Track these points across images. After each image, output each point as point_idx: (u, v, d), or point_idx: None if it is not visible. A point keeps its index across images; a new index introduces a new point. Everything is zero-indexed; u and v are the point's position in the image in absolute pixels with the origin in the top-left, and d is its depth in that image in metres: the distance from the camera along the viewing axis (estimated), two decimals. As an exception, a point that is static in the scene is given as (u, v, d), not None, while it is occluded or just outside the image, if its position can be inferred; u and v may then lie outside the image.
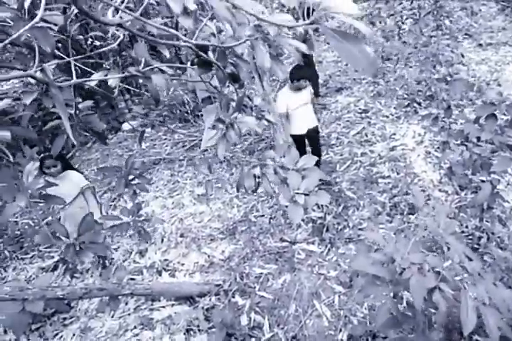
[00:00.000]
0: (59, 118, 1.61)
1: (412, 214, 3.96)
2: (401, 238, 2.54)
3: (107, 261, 3.83)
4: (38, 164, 1.67)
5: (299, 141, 4.57)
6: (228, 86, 1.67)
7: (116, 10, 1.09)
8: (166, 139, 6.23)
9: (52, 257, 4.20)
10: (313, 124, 4.50)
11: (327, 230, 4.04)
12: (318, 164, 4.69)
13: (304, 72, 4.14)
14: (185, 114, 6.65)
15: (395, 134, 5.36)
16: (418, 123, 5.41)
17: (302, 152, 4.60)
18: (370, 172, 4.75)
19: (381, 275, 2.22)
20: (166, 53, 1.27)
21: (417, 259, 2.21)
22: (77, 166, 5.98)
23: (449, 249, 2.28)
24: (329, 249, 3.85)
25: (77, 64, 1.46)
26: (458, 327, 2.49)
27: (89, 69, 1.73)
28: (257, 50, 1.00)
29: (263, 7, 0.99)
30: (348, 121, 5.92)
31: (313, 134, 4.57)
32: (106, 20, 1.01)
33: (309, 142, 4.69)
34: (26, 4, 0.97)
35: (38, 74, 0.99)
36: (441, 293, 2.08)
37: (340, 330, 3.13)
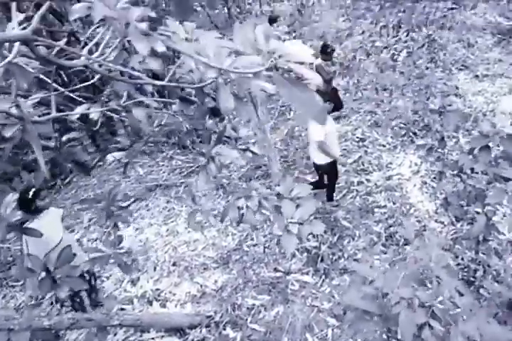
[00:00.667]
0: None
1: (408, 245, 3.92)
2: (392, 271, 2.51)
3: (93, 293, 3.75)
4: (16, 196, 1.69)
5: (335, 165, 4.58)
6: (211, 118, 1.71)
7: (90, 52, 1.14)
8: (163, 165, 6.27)
9: (43, 285, 4.14)
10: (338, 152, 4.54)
11: (322, 260, 3.99)
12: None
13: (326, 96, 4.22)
14: (184, 140, 6.70)
15: (391, 163, 5.38)
16: (414, 152, 5.44)
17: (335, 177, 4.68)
18: (366, 202, 4.74)
19: (371, 311, 2.19)
20: (149, 88, 1.31)
21: (406, 294, 2.18)
22: (73, 192, 6.01)
23: (439, 283, 2.25)
24: (323, 280, 3.80)
25: (61, 96, 1.50)
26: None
27: (71, 104, 1.77)
28: (220, 92, 1.04)
29: (226, 50, 1.02)
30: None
31: (336, 162, 4.60)
32: (68, 63, 1.05)
33: (336, 171, 4.69)
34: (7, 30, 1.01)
35: (13, 110, 1.02)
36: (430, 330, 2.04)
37: (334, 366, 3.05)
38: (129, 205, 5.20)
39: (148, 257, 4.31)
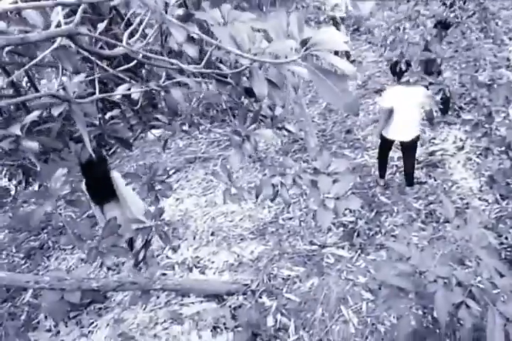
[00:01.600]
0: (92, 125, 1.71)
1: (449, 223, 3.84)
2: (430, 249, 2.49)
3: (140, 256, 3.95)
4: (65, 171, 1.78)
5: (386, 146, 4.32)
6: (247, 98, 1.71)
7: (131, 34, 1.15)
8: (202, 138, 6.37)
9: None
10: (413, 135, 4.03)
11: (358, 235, 4.00)
12: (410, 183, 4.40)
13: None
14: (222, 114, 6.75)
15: (434, 138, 5.20)
16: (459, 128, 5.22)
17: (383, 161, 4.45)
18: (406, 177, 4.64)
19: (405, 287, 2.20)
20: (189, 68, 1.32)
21: (443, 273, 2.16)
22: (117, 162, 6.25)
23: (478, 263, 2.21)
24: (359, 255, 3.81)
25: (103, 78, 1.55)
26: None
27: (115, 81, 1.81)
28: (254, 78, 1.03)
29: (260, 34, 1.00)
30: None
31: (409, 145, 4.14)
32: (107, 52, 1.07)
33: (403, 154, 4.31)
34: (53, 26, 1.05)
35: (61, 92, 1.07)
36: (467, 310, 2.03)
37: (367, 338, 3.11)
38: (169, 176, 5.37)
39: (187, 226, 4.48)
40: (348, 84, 0.88)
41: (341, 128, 5.95)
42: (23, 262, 4.49)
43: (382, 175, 4.55)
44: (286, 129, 1.98)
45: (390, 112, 3.93)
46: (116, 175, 3.43)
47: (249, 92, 1.50)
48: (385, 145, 4.32)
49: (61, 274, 3.82)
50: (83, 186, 3.32)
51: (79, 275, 3.43)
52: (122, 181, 3.35)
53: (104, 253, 2.00)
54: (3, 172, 5.92)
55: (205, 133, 6.48)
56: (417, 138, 4.08)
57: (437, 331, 2.26)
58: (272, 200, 1.94)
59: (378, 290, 3.44)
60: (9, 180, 5.85)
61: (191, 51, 1.19)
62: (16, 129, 1.41)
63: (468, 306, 2.03)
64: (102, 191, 3.36)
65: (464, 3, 3.85)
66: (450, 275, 2.14)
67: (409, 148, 4.19)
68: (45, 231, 4.84)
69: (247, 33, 1.10)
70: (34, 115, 1.43)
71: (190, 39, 1.14)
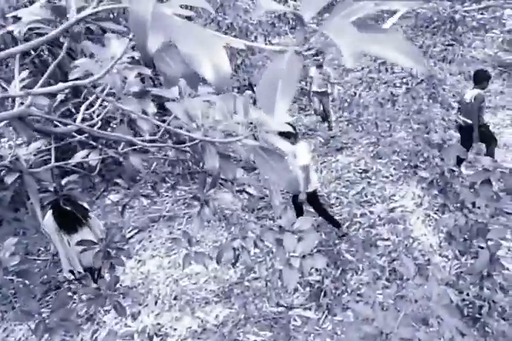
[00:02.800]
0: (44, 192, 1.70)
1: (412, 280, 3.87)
2: (392, 310, 2.49)
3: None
4: (15, 240, 1.73)
5: (315, 197, 4.51)
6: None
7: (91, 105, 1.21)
8: (167, 196, 6.32)
9: (44, 318, 4.11)
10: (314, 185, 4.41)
11: (325, 295, 3.94)
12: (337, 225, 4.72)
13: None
14: (188, 170, 6.79)
15: (394, 195, 5.39)
16: (417, 185, 5.45)
17: (326, 212, 4.69)
18: (370, 234, 4.72)
19: (370, 352, 2.16)
20: (146, 135, 1.38)
21: (406, 334, 2.16)
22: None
23: (439, 323, 2.22)
24: (326, 316, 3.74)
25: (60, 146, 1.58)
26: None
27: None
28: (206, 152, 1.10)
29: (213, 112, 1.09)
30: (348, 180, 5.99)
31: (316, 194, 4.53)
32: (59, 130, 1.13)
33: (313, 203, 4.60)
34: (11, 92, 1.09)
35: (13, 163, 1.08)
36: (432, 373, 2.00)
37: None
38: (130, 237, 5.23)
39: (149, 290, 4.29)
40: (287, 163, 0.95)
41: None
42: (-35, 337, 4.10)
43: (338, 225, 4.74)
44: (247, 192, 2.03)
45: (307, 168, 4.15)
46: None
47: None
48: (316, 196, 4.52)
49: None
50: (49, 218, 3.31)
51: (26, 350, 3.15)
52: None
53: (53, 328, 1.87)
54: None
55: (170, 191, 6.45)
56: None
57: None
58: (234, 264, 1.93)
59: (347, 354, 3.34)
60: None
61: (146, 126, 1.25)
62: None
63: (432, 370, 2.01)
64: (71, 221, 3.42)
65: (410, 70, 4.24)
66: (413, 337, 2.13)
67: (313, 197, 4.46)
68: (-7, 299, 4.49)
69: (201, 108, 1.18)
70: None
71: (146, 114, 1.21)
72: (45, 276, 4.56)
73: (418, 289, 2.43)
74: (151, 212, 5.88)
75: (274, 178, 0.93)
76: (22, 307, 1.85)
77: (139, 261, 4.82)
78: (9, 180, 1.23)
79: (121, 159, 1.50)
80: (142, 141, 1.30)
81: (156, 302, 4.12)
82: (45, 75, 0.98)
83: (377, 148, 6.77)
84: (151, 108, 1.08)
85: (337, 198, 5.64)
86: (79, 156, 1.53)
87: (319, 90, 6.78)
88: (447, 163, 3.90)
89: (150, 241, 5.17)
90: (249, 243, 1.97)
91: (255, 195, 2.13)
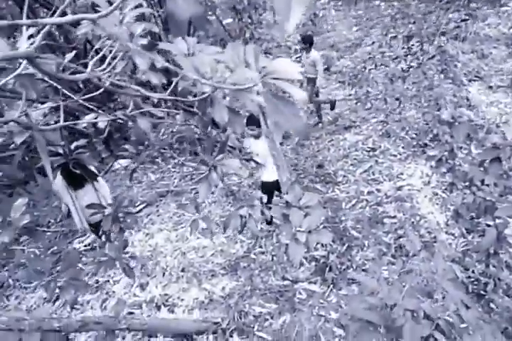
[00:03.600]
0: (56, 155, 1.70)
1: (418, 256, 3.90)
2: (397, 283, 2.51)
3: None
4: (26, 200, 1.74)
5: (270, 188, 4.33)
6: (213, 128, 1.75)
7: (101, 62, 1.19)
8: (174, 172, 6.35)
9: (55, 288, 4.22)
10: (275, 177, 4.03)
11: (330, 270, 3.99)
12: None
13: (254, 121, 3.73)
14: (193, 146, 6.80)
15: (402, 174, 5.37)
16: (425, 163, 5.42)
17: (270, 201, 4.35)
18: (376, 212, 4.73)
19: (374, 321, 2.19)
20: (154, 99, 1.36)
21: (411, 305, 2.18)
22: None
23: (444, 297, 2.25)
24: (331, 290, 3.79)
25: (69, 107, 1.57)
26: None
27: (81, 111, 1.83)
28: (215, 105, 1.08)
29: (223, 65, 1.06)
30: (355, 159, 5.97)
31: (276, 186, 4.17)
32: (71, 78, 1.11)
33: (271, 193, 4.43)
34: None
35: (23, 119, 1.08)
36: (435, 343, 2.03)
37: (339, 377, 3.04)
38: (140, 211, 5.28)
39: (157, 262, 4.36)
40: (298, 110, 0.94)
41: (313, 162, 6.08)
42: (-21, 302, 4.23)
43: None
44: (254, 161, 2.02)
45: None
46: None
47: (216, 123, 1.54)
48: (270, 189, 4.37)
49: (21, 314, 3.59)
50: (58, 177, 3.50)
51: (39, 315, 3.24)
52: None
53: (63, 287, 1.92)
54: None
55: (178, 166, 6.47)
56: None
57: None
58: (240, 232, 1.94)
59: (350, 326, 3.40)
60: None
61: (155, 79, 1.23)
62: None
63: (436, 339, 2.04)
64: (79, 179, 3.56)
65: (422, 46, 4.13)
66: (418, 308, 2.16)
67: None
68: (5, 268, 4.60)
69: (210, 64, 1.15)
70: None
71: (154, 68, 1.19)
72: (55, 247, 4.66)
73: (424, 263, 2.45)
74: (158, 187, 5.92)
75: (285, 124, 0.92)
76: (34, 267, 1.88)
77: (147, 234, 4.88)
78: (19, 140, 1.24)
79: (129, 123, 1.49)
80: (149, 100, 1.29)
81: (163, 274, 4.20)
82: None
83: (386, 126, 6.71)
84: (160, 61, 1.06)
85: (344, 176, 5.63)
86: (87, 118, 1.53)
87: (308, 76, 6.65)
88: (457, 140, 3.85)
89: (158, 216, 5.23)
90: (257, 211, 1.98)
91: (262, 163, 2.12)
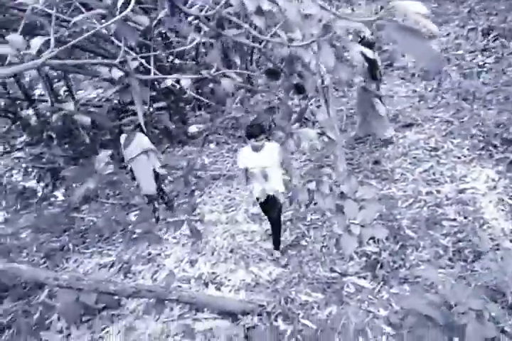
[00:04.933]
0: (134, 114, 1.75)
1: (476, 262, 3.70)
2: (461, 282, 2.40)
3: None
4: (109, 152, 1.81)
5: (260, 206, 4.01)
6: (292, 99, 1.73)
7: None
8: (228, 157, 6.43)
9: (110, 255, 4.43)
10: (273, 191, 3.64)
11: (381, 267, 3.88)
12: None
13: (259, 130, 3.35)
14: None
15: (465, 176, 5.10)
16: (492, 167, 5.12)
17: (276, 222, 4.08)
18: (435, 213, 4.53)
19: (434, 317, 2.10)
20: (237, 60, 1.36)
21: (476, 305, 2.07)
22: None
23: (514, 301, 2.12)
24: (381, 287, 3.69)
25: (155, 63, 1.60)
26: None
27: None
28: (323, 49, 1.05)
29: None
30: (415, 157, 5.74)
31: (271, 203, 3.79)
32: (189, 11, 1.12)
33: (267, 212, 4.03)
34: (119, 4, 1.12)
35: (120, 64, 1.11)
36: (502, 347, 1.92)
37: (385, 374, 2.96)
38: (193, 190, 5.41)
39: (207, 241, 4.45)
40: (430, 42, 0.89)
41: (369, 158, 5.91)
42: (42, 262, 4.52)
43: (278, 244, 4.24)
44: (327, 136, 1.99)
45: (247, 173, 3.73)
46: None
47: (298, 88, 1.52)
48: (266, 206, 3.97)
49: (78, 275, 3.80)
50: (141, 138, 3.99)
51: (96, 278, 3.42)
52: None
53: (137, 238, 2.00)
54: (33, 174, 6.09)
55: (231, 152, 6.55)
56: (276, 197, 3.69)
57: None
58: (307, 206, 1.92)
59: (400, 325, 3.29)
60: (37, 182, 6.01)
61: (259, 22, 1.22)
62: (69, 106, 1.46)
63: (503, 343, 1.93)
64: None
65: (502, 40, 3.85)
66: (483, 309, 2.05)
67: (270, 207, 3.89)
68: (66, 233, 4.89)
69: (315, 9, 1.12)
70: (88, 93, 1.48)
71: (259, 12, 1.18)
72: (113, 217, 4.87)
73: (494, 263, 2.32)
74: (211, 170, 6.02)
75: (417, 57, 0.88)
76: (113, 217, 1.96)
77: (198, 213, 4.98)
78: (117, 75, 1.29)
79: (211, 85, 1.50)
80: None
81: (212, 253, 4.28)
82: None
83: (451, 126, 6.39)
84: (266, 4, 1.05)
85: (402, 174, 5.44)
86: (174, 76, 1.56)
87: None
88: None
89: (210, 197, 5.32)
90: (325, 186, 1.95)
91: (335, 140, 2.08)
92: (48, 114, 7.50)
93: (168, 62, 6.13)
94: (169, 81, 1.58)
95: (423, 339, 2.13)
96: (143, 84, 1.41)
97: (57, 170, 5.65)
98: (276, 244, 4.18)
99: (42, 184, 6.04)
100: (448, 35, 6.79)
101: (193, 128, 2.35)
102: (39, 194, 5.95)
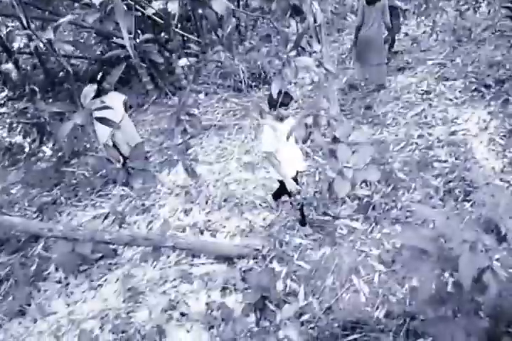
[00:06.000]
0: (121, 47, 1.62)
1: (468, 202, 3.76)
2: (454, 217, 2.42)
3: None
4: (95, 86, 1.70)
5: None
6: (288, 27, 1.61)
7: None
8: (218, 107, 6.28)
9: (104, 207, 4.42)
10: (302, 167, 3.53)
11: (373, 209, 3.93)
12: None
13: (290, 97, 3.15)
14: (239, 84, 6.64)
15: (457, 118, 5.06)
16: (484, 108, 5.07)
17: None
18: (426, 155, 4.53)
19: (428, 250, 2.13)
20: None
21: (470, 237, 2.09)
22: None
23: (506, 233, 2.14)
24: (373, 228, 3.76)
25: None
26: (507, 316, 2.36)
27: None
28: None
29: None
30: (407, 101, 5.66)
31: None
32: None
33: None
34: None
35: None
36: (493, 274, 1.97)
37: (378, 308, 3.07)
38: (185, 141, 5.31)
39: (200, 191, 4.44)
40: None
41: (361, 104, 5.81)
42: (35, 216, 4.50)
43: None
44: (325, 67, 1.89)
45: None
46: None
47: (296, 10, 1.40)
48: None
49: (73, 225, 3.80)
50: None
51: (92, 228, 3.41)
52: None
53: (132, 174, 1.95)
54: (18, 129, 5.91)
55: (221, 102, 6.38)
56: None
57: (459, 296, 2.20)
58: (304, 142, 1.86)
59: (391, 263, 3.40)
60: (24, 137, 5.86)
61: None
62: (49, 34, 1.34)
63: (494, 271, 1.97)
64: None
65: None
66: (477, 240, 2.07)
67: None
68: (58, 187, 4.84)
69: None
70: (68, 18, 1.36)
71: None
72: (104, 171, 4.80)
73: (486, 195, 2.33)
74: (202, 120, 5.87)
75: None
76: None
77: (190, 164, 4.92)
78: (91, 17, 1.17)
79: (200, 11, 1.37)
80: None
81: (206, 202, 4.29)
82: None
83: (443, 69, 6.25)
84: None
85: (394, 118, 5.39)
86: (157, 5, 1.42)
87: None
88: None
89: (201, 148, 5.25)
90: (323, 121, 1.88)
91: (333, 71, 1.98)
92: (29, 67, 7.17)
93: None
94: (156, 5, 1.44)
95: (416, 272, 2.18)
96: (127, 10, 1.28)
97: (43, 124, 5.48)
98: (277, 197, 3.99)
99: (28, 139, 5.89)
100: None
101: (183, 62, 2.19)
102: (26, 149, 5.83)
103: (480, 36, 5.52)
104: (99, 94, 4.01)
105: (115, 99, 4.31)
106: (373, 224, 3.78)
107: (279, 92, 3.11)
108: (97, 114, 1.53)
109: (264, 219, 4.05)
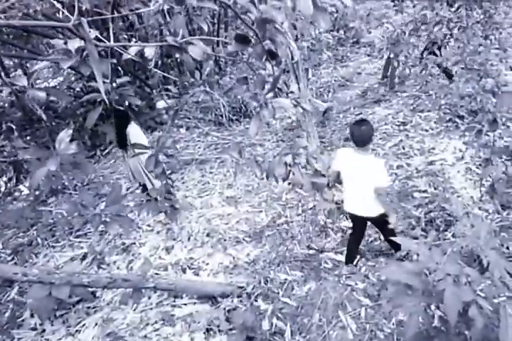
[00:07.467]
0: (96, 91, 1.63)
1: (449, 232, 3.79)
2: (437, 249, 2.42)
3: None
4: (70, 131, 1.68)
5: (352, 220, 3.57)
6: (264, 69, 1.65)
7: None
8: (199, 141, 6.31)
9: (82, 248, 4.28)
10: (375, 212, 3.19)
11: (357, 241, 3.91)
12: (397, 248, 3.47)
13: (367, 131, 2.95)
14: (220, 118, 6.73)
15: (434, 148, 5.20)
16: (459, 138, 5.23)
17: (357, 236, 3.60)
18: (406, 186, 4.60)
19: (413, 285, 2.11)
20: (205, 27, 1.26)
21: (453, 270, 2.09)
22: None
23: (488, 264, 2.15)
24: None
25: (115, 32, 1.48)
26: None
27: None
28: None
29: None
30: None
31: (376, 221, 3.35)
32: None
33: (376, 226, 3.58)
34: None
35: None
36: (478, 309, 1.95)
37: (365, 344, 3.00)
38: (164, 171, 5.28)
39: (182, 227, 4.37)
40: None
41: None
42: (9, 258, 4.32)
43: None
44: (302, 107, 1.93)
45: (337, 178, 3.27)
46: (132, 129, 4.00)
47: (271, 54, 1.44)
48: (352, 221, 3.58)
49: (49, 268, 3.65)
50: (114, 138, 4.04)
51: (69, 271, 3.28)
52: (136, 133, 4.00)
53: (108, 221, 1.90)
54: (-6, 168, 5.80)
55: (202, 136, 6.42)
56: (382, 216, 3.19)
57: (446, 330, 2.17)
58: (284, 180, 1.87)
59: (377, 297, 3.35)
60: (0, 176, 5.73)
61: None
62: (23, 81, 1.33)
63: (479, 305, 1.96)
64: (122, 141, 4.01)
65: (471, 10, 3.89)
66: (460, 273, 2.07)
67: (377, 224, 3.46)
68: (34, 228, 4.69)
69: None
70: (43, 65, 1.36)
71: None
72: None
73: (466, 228, 2.34)
74: (183, 155, 5.89)
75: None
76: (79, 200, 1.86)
77: (171, 205, 4.88)
78: (73, 47, 1.18)
79: (177, 55, 1.39)
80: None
81: (189, 239, 4.21)
82: None
83: (418, 100, 6.48)
84: None
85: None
86: (133, 50, 1.44)
87: None
88: (500, 110, 3.66)
89: (183, 183, 5.21)
90: (302, 159, 1.89)
91: (309, 110, 2.02)
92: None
93: (130, 30, 5.91)
94: (132, 51, 1.46)
95: (401, 307, 2.14)
96: (103, 55, 1.30)
97: (19, 163, 5.39)
98: (395, 245, 3.48)
99: (5, 178, 5.77)
100: (414, 6, 6.75)
101: (161, 104, 2.20)
102: (2, 189, 5.68)
103: (449, 71, 5.78)
104: (127, 122, 3.95)
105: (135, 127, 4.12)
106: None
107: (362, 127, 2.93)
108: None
109: (247, 255, 3.98)
